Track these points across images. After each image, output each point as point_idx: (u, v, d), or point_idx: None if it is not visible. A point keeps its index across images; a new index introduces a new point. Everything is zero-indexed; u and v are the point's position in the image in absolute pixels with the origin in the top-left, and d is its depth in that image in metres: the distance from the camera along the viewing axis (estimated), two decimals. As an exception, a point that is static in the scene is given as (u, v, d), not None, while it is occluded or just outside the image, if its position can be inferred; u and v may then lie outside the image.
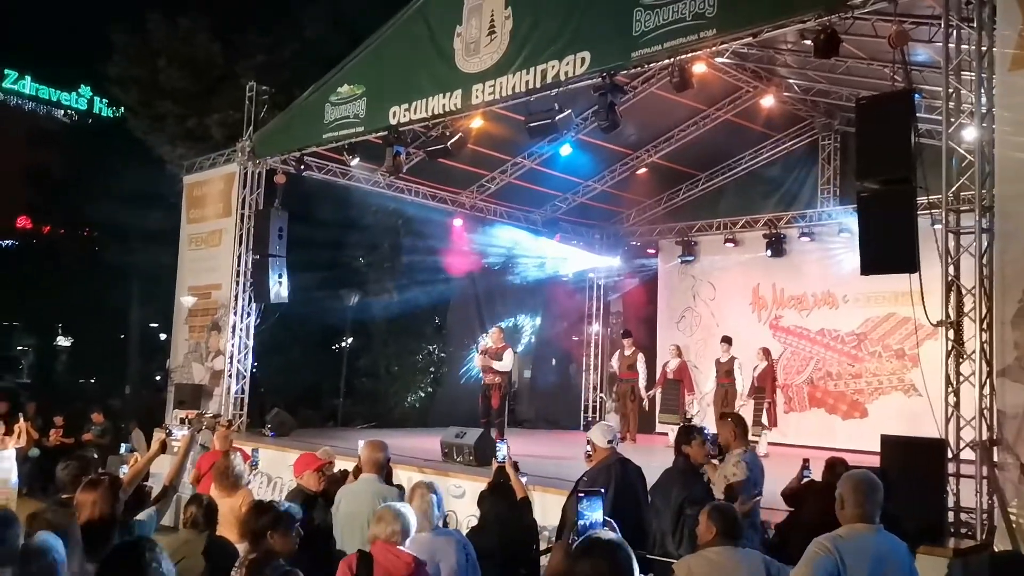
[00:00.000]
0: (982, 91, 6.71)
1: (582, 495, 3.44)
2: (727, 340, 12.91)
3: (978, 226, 6.56)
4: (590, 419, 16.10)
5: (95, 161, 22.28)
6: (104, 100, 28.93)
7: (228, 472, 6.58)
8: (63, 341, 28.87)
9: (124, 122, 20.28)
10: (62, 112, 30.18)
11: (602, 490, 4.58)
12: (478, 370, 12.01)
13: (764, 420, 12.18)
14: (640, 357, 13.54)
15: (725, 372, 12.58)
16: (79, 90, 31.12)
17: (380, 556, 4.00)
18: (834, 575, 3.74)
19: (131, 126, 18.83)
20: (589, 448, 5.75)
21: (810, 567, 3.76)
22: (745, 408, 12.14)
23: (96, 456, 8.32)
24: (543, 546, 7.00)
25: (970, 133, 6.98)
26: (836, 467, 6.26)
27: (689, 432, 5.94)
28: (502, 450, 8.66)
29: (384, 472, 5.63)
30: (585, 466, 5.96)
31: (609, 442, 5.74)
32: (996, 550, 5.72)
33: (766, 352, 12.59)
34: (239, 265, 13.17)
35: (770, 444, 12.37)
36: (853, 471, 4.13)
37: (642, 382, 13.34)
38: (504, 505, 5.73)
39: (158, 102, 17.96)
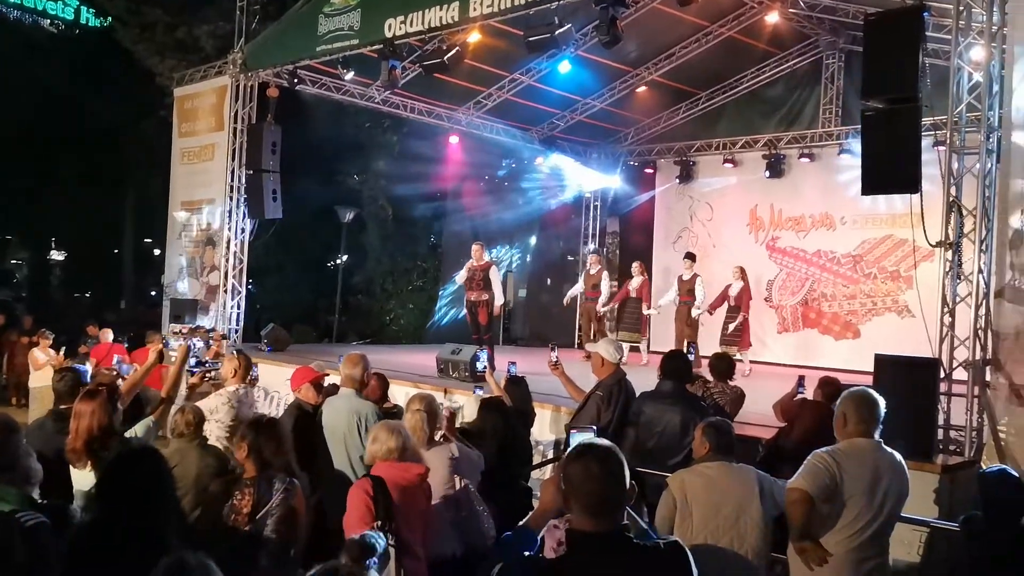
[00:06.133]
0: (994, 8, 6.55)
1: (573, 430, 3.51)
2: (690, 256, 12.65)
3: (983, 146, 6.49)
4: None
5: (84, 73, 21.81)
6: (91, 10, 28.06)
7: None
8: (57, 255, 28.75)
9: (112, 32, 19.79)
10: (48, 22, 29.31)
11: (593, 427, 4.65)
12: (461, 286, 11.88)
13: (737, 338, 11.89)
14: (605, 275, 12.95)
15: (687, 290, 12.20)
16: (65, -1, 30.16)
17: (389, 474, 4.01)
18: (831, 487, 3.83)
19: (119, 36, 18.38)
20: (589, 357, 5.86)
21: (808, 477, 3.85)
22: (708, 325, 12.07)
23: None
24: (536, 460, 7.13)
25: (978, 52, 6.84)
26: (828, 386, 6.36)
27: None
28: (481, 360, 8.76)
29: (363, 386, 5.48)
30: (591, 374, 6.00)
31: (620, 359, 5.82)
32: (984, 467, 5.82)
33: (742, 271, 12.21)
34: (232, 180, 13.05)
35: (762, 363, 12.48)
36: (854, 389, 4.18)
37: (601, 299, 12.74)
38: (496, 417, 5.76)
39: (147, 10, 17.51)
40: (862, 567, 3.87)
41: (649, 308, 12.70)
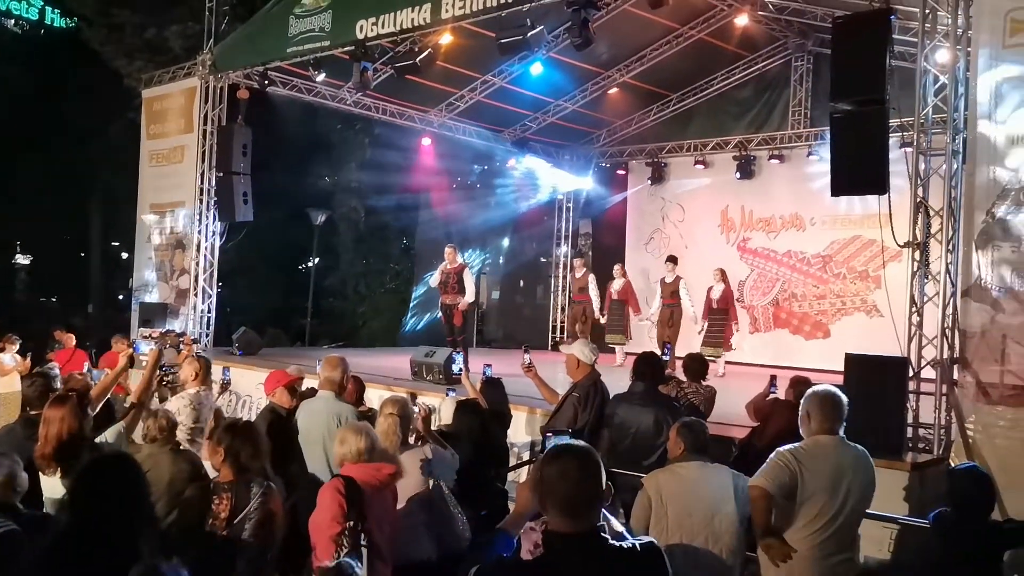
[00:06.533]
0: (959, 11, 6.66)
1: (549, 434, 3.52)
2: (672, 260, 12.68)
3: (949, 148, 6.59)
4: (558, 339, 16.21)
5: (50, 74, 21.51)
6: (56, 10, 27.68)
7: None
8: (22, 259, 28.32)
9: (78, 33, 19.54)
10: (12, 22, 28.85)
11: (569, 430, 4.67)
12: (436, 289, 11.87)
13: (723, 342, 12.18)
14: (591, 279, 13.11)
15: (670, 293, 12.24)
16: (30, -1, 29.73)
17: (360, 475, 3.99)
18: (790, 485, 3.88)
19: (86, 37, 18.16)
20: (565, 358, 5.89)
21: (768, 475, 3.91)
22: (700, 330, 12.20)
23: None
24: (512, 462, 7.13)
25: (943, 55, 6.95)
26: (800, 385, 6.41)
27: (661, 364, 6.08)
28: (457, 363, 8.77)
29: (342, 390, 5.48)
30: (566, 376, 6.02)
31: (593, 360, 5.84)
32: (952, 464, 5.90)
33: (723, 273, 12.36)
34: (202, 183, 12.93)
35: (734, 364, 12.57)
36: (818, 388, 4.23)
37: (595, 304, 12.94)
38: (472, 419, 5.76)
39: (114, 11, 17.31)
40: (827, 562, 3.92)
41: (637, 313, 12.89)
